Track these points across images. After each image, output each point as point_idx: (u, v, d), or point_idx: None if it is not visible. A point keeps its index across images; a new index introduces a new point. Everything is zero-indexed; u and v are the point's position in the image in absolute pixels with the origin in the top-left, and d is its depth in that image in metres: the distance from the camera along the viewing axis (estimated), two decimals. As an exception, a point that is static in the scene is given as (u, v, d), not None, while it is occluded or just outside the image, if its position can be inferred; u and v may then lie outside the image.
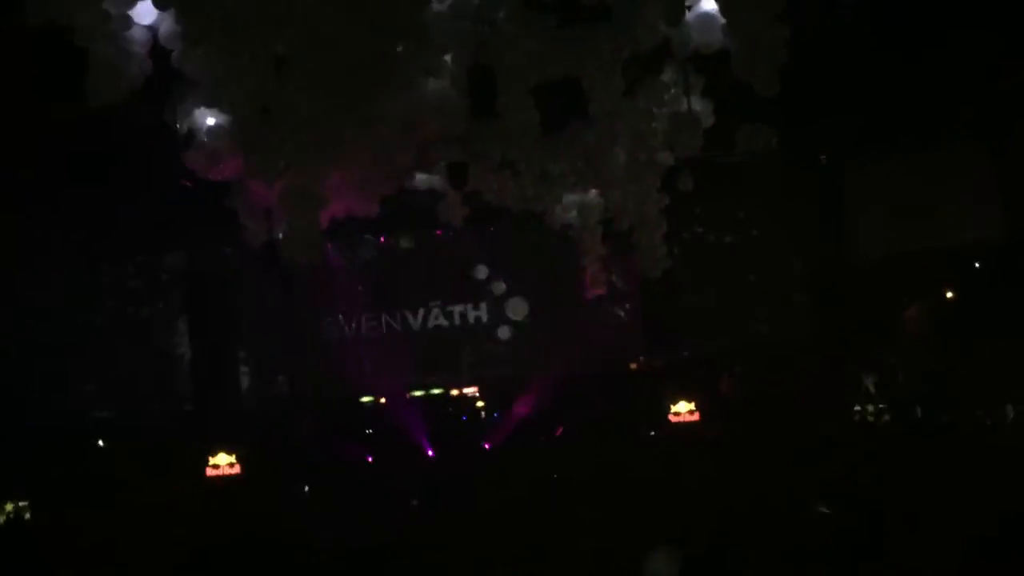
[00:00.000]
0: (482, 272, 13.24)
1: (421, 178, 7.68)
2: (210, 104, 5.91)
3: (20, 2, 5.27)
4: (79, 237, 11.59)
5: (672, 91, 6.69)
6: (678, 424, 11.96)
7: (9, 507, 11.26)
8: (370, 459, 12.37)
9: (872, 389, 11.96)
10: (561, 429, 12.55)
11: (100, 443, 12.56)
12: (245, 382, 13.07)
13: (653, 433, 12.30)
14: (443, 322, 13.41)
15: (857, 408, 11.79)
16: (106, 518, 10.27)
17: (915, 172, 11.34)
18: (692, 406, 11.94)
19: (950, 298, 12.12)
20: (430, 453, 12.52)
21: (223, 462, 11.89)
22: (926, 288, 12.07)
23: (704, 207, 12.10)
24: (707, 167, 7.71)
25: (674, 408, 11.99)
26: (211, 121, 6.10)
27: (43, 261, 11.98)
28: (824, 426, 10.61)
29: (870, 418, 11.70)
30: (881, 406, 11.74)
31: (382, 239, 13.20)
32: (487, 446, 12.68)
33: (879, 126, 10.50)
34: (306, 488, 11.36)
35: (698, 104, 6.81)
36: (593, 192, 7.76)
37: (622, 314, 12.87)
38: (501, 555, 6.14)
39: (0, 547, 9.81)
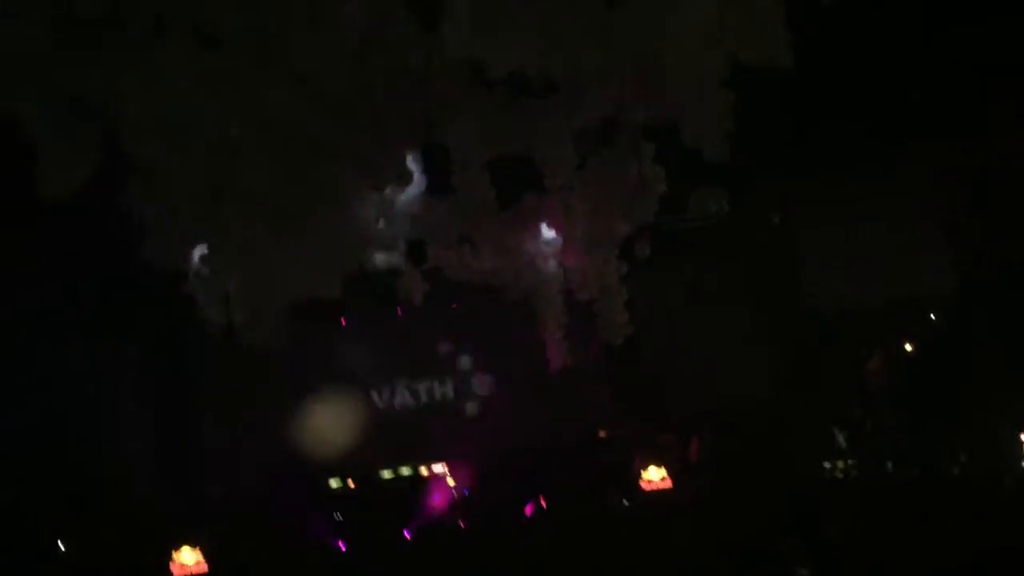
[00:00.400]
0: (445, 348, 13.22)
1: (380, 257, 7.68)
2: (162, 190, 5.88)
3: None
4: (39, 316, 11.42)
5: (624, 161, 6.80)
6: (650, 491, 11.87)
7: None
8: (342, 546, 12.11)
9: (843, 443, 12.00)
10: (531, 507, 12.39)
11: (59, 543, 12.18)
12: (209, 469, 12.77)
13: (625, 502, 12.19)
14: (409, 400, 13.31)
15: (827, 465, 11.81)
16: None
17: (868, 226, 11.58)
18: (663, 472, 11.87)
19: (910, 350, 12.29)
20: (406, 535, 12.30)
21: (190, 561, 11.50)
22: (885, 340, 12.24)
23: (662, 273, 12.24)
24: (662, 233, 7.81)
25: (645, 475, 11.91)
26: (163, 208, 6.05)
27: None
28: (795, 485, 10.61)
29: (839, 474, 11.71)
30: (850, 461, 11.77)
31: (343, 320, 13.13)
32: (462, 524, 12.49)
33: (829, 182, 10.75)
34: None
35: (650, 170, 6.91)
36: (552, 263, 7.80)
37: (587, 383, 12.86)
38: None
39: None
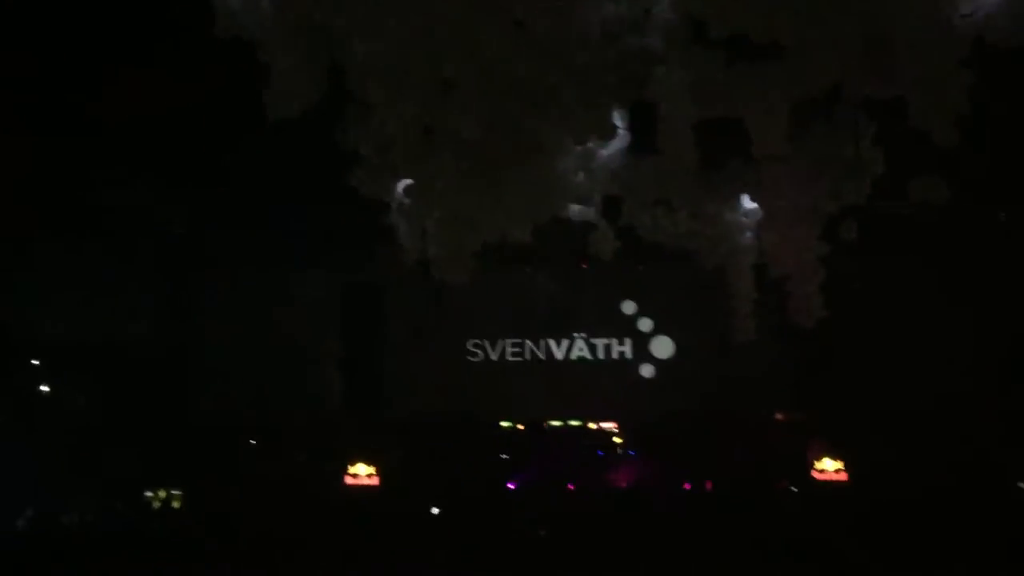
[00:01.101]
0: (629, 308, 13.18)
1: (575, 209, 7.69)
2: (377, 124, 6.11)
3: (208, 17, 5.59)
4: (246, 244, 12.18)
5: (840, 136, 6.46)
6: (822, 482, 11.42)
7: (163, 494, 11.93)
8: (510, 485, 12.42)
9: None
10: (690, 484, 12.20)
11: (251, 442, 13.14)
12: (389, 394, 13.36)
13: (794, 489, 11.81)
14: (586, 355, 13.40)
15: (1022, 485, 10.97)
16: (250, 513, 10.73)
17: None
18: (839, 464, 11.38)
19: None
20: (569, 486, 12.46)
21: (362, 472, 12.19)
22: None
23: (866, 259, 11.60)
24: (873, 217, 7.38)
25: (818, 464, 11.46)
26: (377, 142, 6.30)
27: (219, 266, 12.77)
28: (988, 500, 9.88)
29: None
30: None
31: (532, 268, 13.32)
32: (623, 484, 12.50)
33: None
34: (435, 510, 11.47)
35: (868, 151, 6.54)
36: (748, 235, 7.56)
37: (770, 363, 12.45)
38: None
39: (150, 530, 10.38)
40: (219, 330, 13.18)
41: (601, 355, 13.34)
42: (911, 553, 6.81)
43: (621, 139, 6.55)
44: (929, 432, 11.14)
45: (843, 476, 11.37)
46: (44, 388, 12.48)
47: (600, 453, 13.23)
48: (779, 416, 12.76)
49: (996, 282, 11.38)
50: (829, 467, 11.40)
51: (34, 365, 12.46)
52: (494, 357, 13.51)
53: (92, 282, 11.95)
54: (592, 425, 13.32)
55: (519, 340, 13.49)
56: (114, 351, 12.35)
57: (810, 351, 11.64)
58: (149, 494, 11.96)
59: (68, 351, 12.24)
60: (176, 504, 11.91)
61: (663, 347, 13.07)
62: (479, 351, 13.53)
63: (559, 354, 13.45)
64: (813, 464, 11.50)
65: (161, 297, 13.08)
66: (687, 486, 12.18)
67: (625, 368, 13.29)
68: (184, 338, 13.22)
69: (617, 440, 13.29)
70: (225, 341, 13.08)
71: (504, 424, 13.37)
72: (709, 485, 12.05)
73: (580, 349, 13.44)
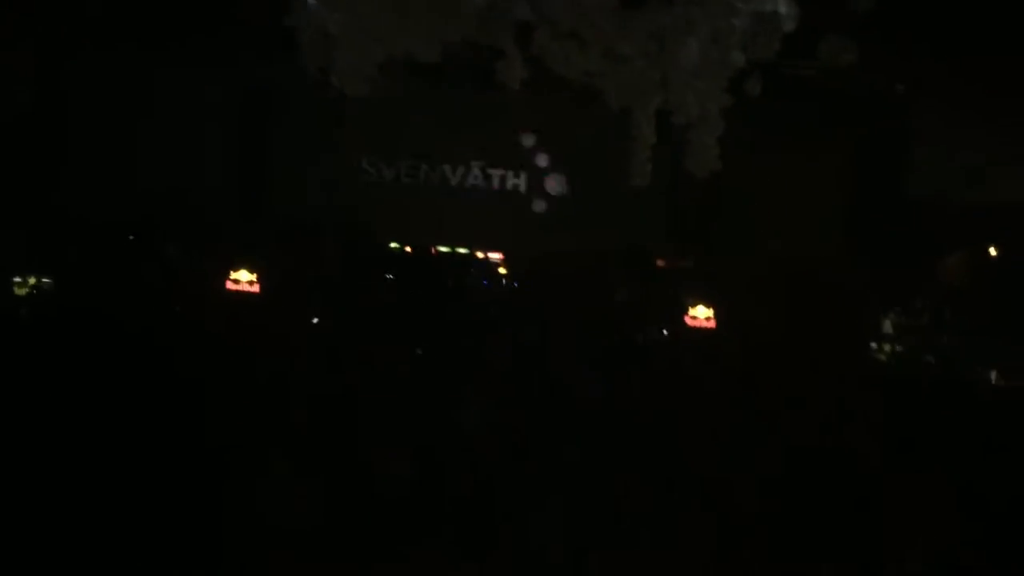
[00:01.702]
0: (528, 140, 13.11)
1: (484, 33, 7.46)
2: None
3: None
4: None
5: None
6: (694, 328, 11.96)
7: (32, 280, 11.57)
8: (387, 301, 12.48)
9: (891, 330, 11.90)
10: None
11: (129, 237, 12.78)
12: (277, 202, 13.09)
13: (665, 333, 12.34)
14: (480, 184, 13.37)
15: (873, 345, 11.76)
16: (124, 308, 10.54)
17: (986, 124, 10.95)
18: (710, 312, 11.91)
19: (993, 255, 11.90)
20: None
21: (243, 278, 12.06)
22: (971, 240, 11.84)
23: (765, 116, 11.75)
24: (778, 75, 7.44)
25: (692, 311, 11.97)
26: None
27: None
28: (835, 359, 10.56)
29: (882, 357, 11.67)
30: (898, 348, 11.69)
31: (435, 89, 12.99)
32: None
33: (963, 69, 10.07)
34: (314, 320, 11.48)
35: (783, 6, 6.50)
36: (656, 78, 7.52)
37: (659, 210, 12.72)
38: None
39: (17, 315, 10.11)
40: (100, 115, 12.51)
41: (495, 186, 13.34)
42: (767, 387, 7.29)
43: (541, -36, 6.32)
44: (800, 290, 11.72)
45: (711, 324, 11.92)
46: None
47: (485, 283, 13.45)
48: (660, 262, 13.18)
49: (881, 153, 11.78)
50: (701, 314, 11.92)
51: None
52: (388, 177, 13.34)
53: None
54: (479, 255, 13.47)
55: (415, 163, 13.32)
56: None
57: (698, 202, 11.96)
58: (17, 280, 11.58)
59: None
60: (46, 292, 11.58)
61: (558, 184, 13.14)
62: (373, 169, 13.32)
63: (453, 180, 13.38)
64: (687, 311, 11.99)
65: (39, 72, 12.28)
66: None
67: (518, 201, 13.35)
68: (60, 120, 12.51)
69: (502, 271, 13.51)
70: (106, 128, 12.44)
71: (392, 245, 13.37)
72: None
73: (475, 178, 13.39)
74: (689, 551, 3.92)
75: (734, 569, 4.02)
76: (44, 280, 11.71)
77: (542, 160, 13.24)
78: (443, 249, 13.34)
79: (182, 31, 11.59)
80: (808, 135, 12.18)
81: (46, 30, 12.11)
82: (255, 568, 3.40)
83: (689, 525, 4.19)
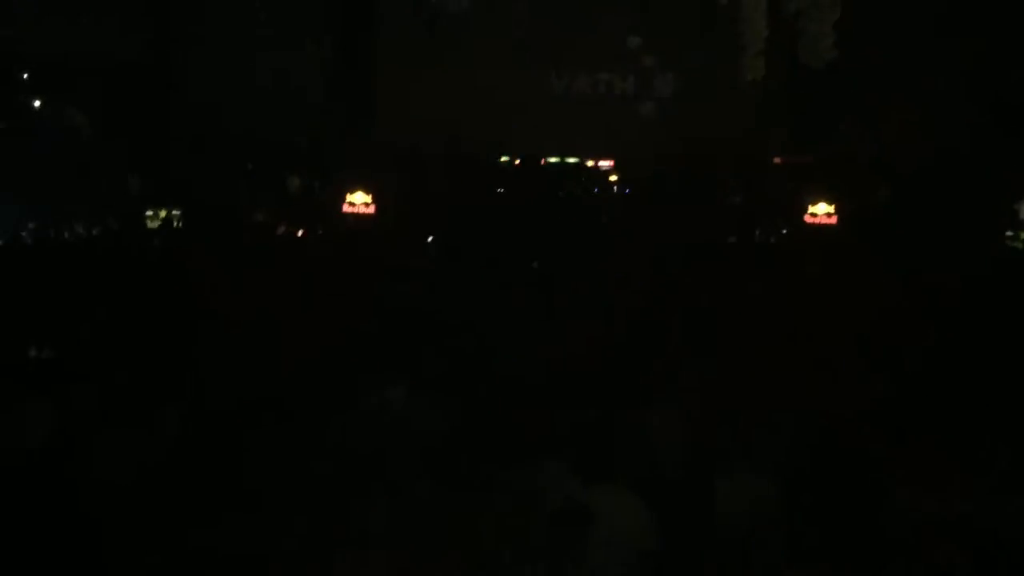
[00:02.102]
0: (634, 43, 12.75)
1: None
2: None
3: None
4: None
5: None
6: (813, 225, 11.55)
7: (163, 213, 12.09)
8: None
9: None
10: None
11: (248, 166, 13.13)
12: (385, 123, 13.12)
13: (785, 232, 12.01)
14: (587, 90, 13.12)
15: (1009, 233, 11.15)
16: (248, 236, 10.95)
17: None
18: (831, 209, 11.46)
19: None
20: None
21: (359, 200, 12.19)
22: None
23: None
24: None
25: (812, 208, 11.54)
26: None
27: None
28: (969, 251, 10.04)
29: (1019, 245, 11.07)
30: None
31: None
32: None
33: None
34: (429, 239, 11.63)
35: None
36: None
37: (773, 106, 12.26)
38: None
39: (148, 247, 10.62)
40: (211, 51, 12.78)
41: (603, 90, 13.07)
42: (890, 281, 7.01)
43: None
44: (926, 183, 11.16)
45: (833, 220, 11.49)
46: (36, 103, 12.31)
47: (596, 191, 13.32)
48: (777, 160, 12.75)
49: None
50: (821, 211, 11.49)
51: (23, 79, 12.23)
52: (493, 88, 13.20)
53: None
54: (589, 163, 13.31)
55: (520, 71, 13.12)
56: (107, 70, 12.06)
57: (815, 93, 11.43)
58: (149, 213, 12.12)
59: (58, 68, 11.96)
60: (176, 224, 12.10)
61: (666, 85, 12.79)
62: (479, 82, 13.19)
63: (559, 89, 13.16)
64: (807, 208, 11.57)
65: (152, 14, 12.61)
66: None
67: (626, 105, 13.06)
68: (177, 57, 12.87)
69: (613, 179, 13.34)
70: (216, 62, 12.71)
71: (502, 159, 13.33)
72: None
73: (582, 85, 13.13)
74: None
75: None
76: (174, 212, 12.22)
77: (649, 61, 12.85)
78: (552, 160, 13.23)
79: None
80: (933, 20, 11.40)
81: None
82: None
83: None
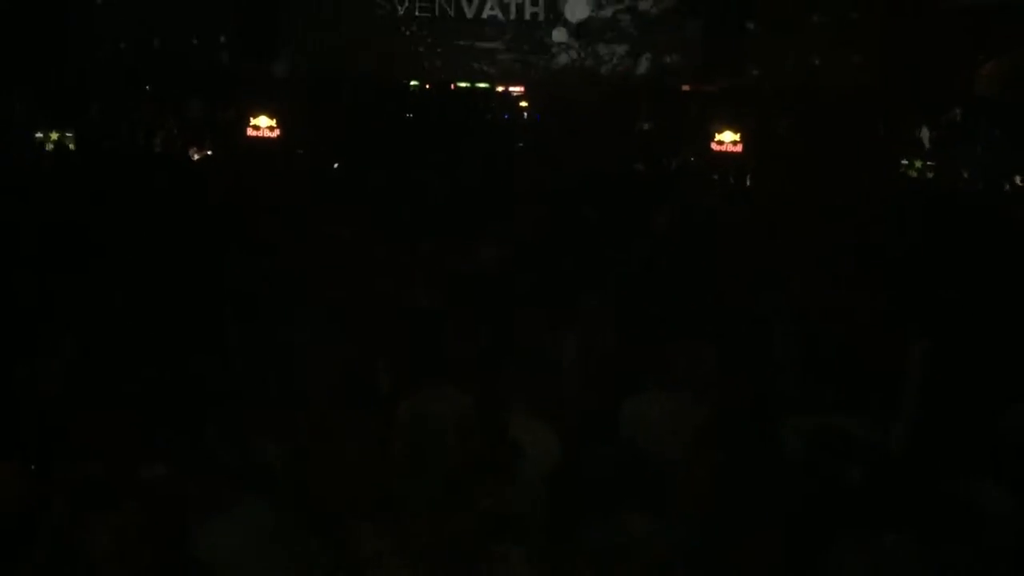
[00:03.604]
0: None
1: None
2: None
3: None
4: None
5: None
6: (719, 153, 11.63)
7: (55, 136, 11.52)
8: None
9: (927, 144, 11.61)
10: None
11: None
12: (287, 50, 12.76)
13: (692, 159, 12.10)
14: (497, 13, 12.90)
15: (904, 162, 11.47)
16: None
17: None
18: (736, 137, 11.56)
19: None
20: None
21: (263, 123, 11.85)
22: (1006, 47, 11.33)
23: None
24: None
25: (718, 136, 11.61)
26: None
27: None
28: (867, 176, 10.30)
29: (913, 173, 11.40)
30: (929, 163, 11.39)
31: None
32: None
33: None
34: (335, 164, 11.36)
35: None
36: None
37: (683, 32, 12.29)
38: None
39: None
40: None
41: (512, 14, 12.87)
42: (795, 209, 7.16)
43: None
44: (826, 113, 11.37)
45: (738, 148, 11.58)
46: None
47: (506, 116, 13.19)
48: (686, 87, 12.82)
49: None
50: (727, 138, 11.56)
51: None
52: (400, 12, 12.90)
53: None
54: (499, 88, 13.16)
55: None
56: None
57: (727, 25, 11.49)
58: (39, 135, 11.57)
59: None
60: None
61: (578, 8, 12.66)
62: (386, 3, 12.87)
63: (469, 12, 12.91)
64: (714, 136, 11.63)
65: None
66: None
67: (536, 30, 12.92)
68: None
69: (523, 104, 13.22)
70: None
71: (412, 83, 13.09)
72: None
73: (491, 7, 12.91)
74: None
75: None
76: (67, 134, 11.66)
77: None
78: (462, 85, 13.04)
79: None
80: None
81: None
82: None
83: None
